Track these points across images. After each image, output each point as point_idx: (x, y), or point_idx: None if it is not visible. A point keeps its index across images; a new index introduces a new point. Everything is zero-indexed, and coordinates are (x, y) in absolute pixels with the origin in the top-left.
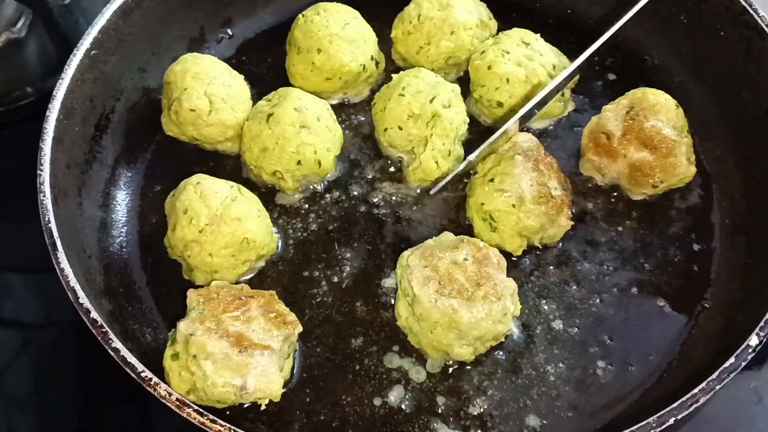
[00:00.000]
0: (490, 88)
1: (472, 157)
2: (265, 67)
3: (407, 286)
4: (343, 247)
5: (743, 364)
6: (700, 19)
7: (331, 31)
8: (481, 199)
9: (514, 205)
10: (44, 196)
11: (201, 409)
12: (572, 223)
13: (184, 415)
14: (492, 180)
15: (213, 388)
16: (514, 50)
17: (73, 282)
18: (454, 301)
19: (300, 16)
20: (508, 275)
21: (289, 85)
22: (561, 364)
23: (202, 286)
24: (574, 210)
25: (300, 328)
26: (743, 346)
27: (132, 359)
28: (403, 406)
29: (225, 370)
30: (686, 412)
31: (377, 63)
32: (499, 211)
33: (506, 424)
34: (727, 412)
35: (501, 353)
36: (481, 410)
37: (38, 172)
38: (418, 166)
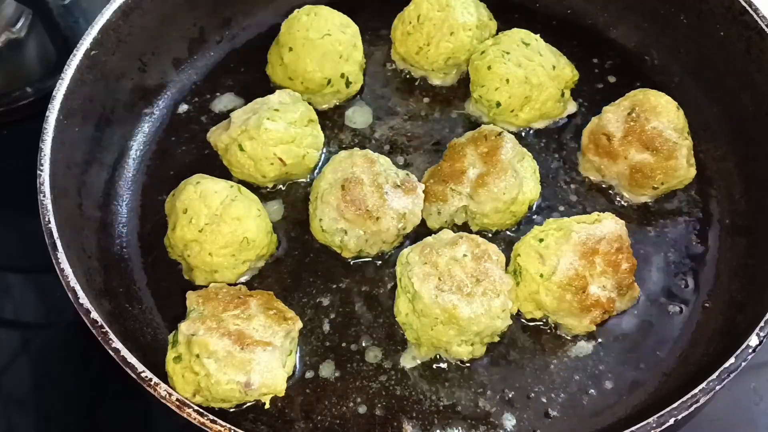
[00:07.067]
0: (490, 88)
1: None
2: (264, 68)
3: (407, 282)
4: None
5: (743, 364)
6: (700, 19)
7: (308, 34)
8: (521, 249)
9: (542, 275)
10: (44, 196)
11: (201, 409)
12: (594, 329)
13: (184, 415)
14: (541, 240)
15: (217, 386)
16: (514, 50)
17: (73, 282)
18: (454, 296)
19: (296, 11)
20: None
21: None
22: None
23: (202, 287)
24: (608, 320)
25: (300, 324)
26: (743, 346)
27: (132, 359)
28: (403, 406)
29: (228, 367)
30: (686, 412)
31: (349, 83)
32: (527, 271)
33: (507, 421)
34: (727, 412)
35: (502, 347)
36: (491, 408)
37: (38, 172)
38: None
